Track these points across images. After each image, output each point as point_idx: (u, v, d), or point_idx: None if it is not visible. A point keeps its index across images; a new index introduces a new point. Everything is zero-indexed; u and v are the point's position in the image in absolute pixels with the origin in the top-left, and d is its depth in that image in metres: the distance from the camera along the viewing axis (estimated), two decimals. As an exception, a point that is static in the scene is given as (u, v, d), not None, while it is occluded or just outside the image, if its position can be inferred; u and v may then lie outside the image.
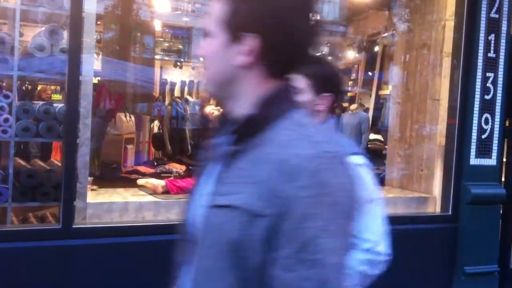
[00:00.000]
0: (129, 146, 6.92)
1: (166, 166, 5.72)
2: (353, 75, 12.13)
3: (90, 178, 4.08)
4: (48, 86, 8.21)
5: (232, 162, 1.15)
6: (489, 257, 4.98)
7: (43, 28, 3.75)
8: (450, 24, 5.00)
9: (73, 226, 3.63)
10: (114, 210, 3.90)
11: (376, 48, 10.72)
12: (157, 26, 11.91)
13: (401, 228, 4.75)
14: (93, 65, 3.90)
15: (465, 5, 4.81)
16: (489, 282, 4.97)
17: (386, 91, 9.40)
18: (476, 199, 4.82)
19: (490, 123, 4.88)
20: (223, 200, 1.13)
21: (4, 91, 3.60)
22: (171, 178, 4.61)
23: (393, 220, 4.75)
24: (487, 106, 4.87)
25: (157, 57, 13.64)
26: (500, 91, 4.91)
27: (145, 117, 8.67)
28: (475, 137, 4.84)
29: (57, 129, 3.69)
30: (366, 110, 9.79)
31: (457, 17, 4.91)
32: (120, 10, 9.23)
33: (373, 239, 2.02)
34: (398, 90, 5.73)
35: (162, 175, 5.23)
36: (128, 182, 4.99)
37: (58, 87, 8.21)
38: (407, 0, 5.75)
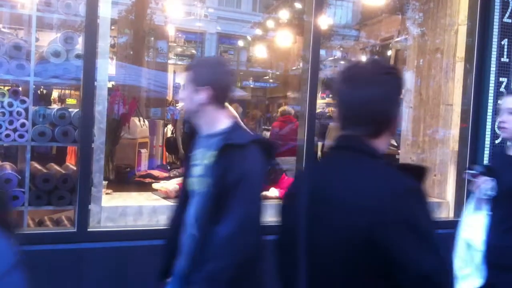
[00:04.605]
0: (143, 150, 6.96)
1: (180, 170, 5.75)
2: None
3: (104, 182, 4.12)
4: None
5: None
6: (502, 262, 4.95)
7: (58, 35, 3.79)
8: (463, 29, 5.00)
9: (88, 230, 3.67)
10: (129, 214, 3.94)
11: (389, 53, 10.68)
12: (171, 31, 11.99)
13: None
14: (107, 70, 3.94)
15: (478, 10, 4.80)
16: (503, 287, 4.94)
17: (399, 95, 9.37)
18: (489, 204, 4.79)
19: (503, 128, 4.85)
20: None
21: (20, 96, 3.65)
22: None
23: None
24: (501, 111, 4.84)
25: (170, 61, 13.74)
26: (514, 96, 4.88)
27: (158, 121, 8.72)
28: (488, 142, 4.82)
29: (72, 133, 3.74)
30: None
31: (470, 22, 4.90)
32: (134, 15, 9.30)
33: None
34: (411, 95, 5.72)
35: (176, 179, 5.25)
36: (142, 186, 5.03)
37: (73, 92, 8.29)
38: (420, 5, 5.75)
